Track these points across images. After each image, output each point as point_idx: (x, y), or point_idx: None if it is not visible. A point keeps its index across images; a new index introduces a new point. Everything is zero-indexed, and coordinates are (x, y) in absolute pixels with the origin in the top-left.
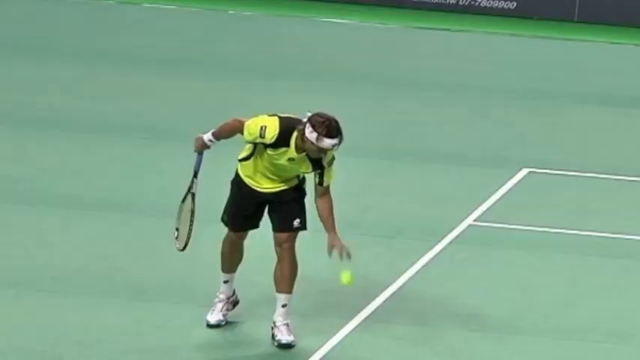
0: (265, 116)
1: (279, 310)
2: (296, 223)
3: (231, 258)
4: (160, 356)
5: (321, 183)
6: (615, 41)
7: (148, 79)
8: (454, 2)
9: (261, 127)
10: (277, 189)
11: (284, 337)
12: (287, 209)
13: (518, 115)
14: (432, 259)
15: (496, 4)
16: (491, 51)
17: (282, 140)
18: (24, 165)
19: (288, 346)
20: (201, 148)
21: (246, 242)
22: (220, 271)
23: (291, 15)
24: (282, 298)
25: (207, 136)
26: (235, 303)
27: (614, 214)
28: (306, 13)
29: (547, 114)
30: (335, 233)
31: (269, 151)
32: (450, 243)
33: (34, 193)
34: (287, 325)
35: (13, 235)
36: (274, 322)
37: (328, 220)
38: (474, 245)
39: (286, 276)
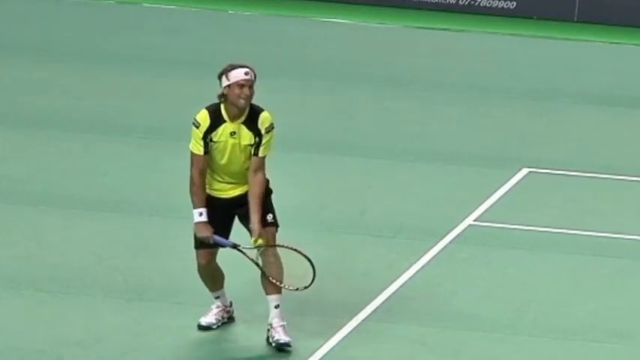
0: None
1: (274, 312)
2: (269, 217)
3: (213, 279)
4: (159, 356)
5: (256, 153)
6: (615, 41)
7: (147, 79)
8: (454, 2)
9: (194, 123)
10: (240, 191)
11: (282, 337)
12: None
13: (518, 115)
14: (431, 259)
15: (496, 4)
16: (491, 51)
17: (215, 118)
18: (24, 165)
19: (286, 346)
20: (206, 230)
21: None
22: (208, 291)
23: (290, 15)
24: (273, 299)
25: (196, 216)
26: (230, 316)
27: (614, 214)
28: (305, 13)
29: (547, 114)
30: (259, 219)
31: (213, 141)
32: (450, 243)
33: (34, 193)
34: (283, 326)
35: (13, 235)
36: (270, 324)
37: (257, 200)
38: (474, 245)
39: (273, 269)
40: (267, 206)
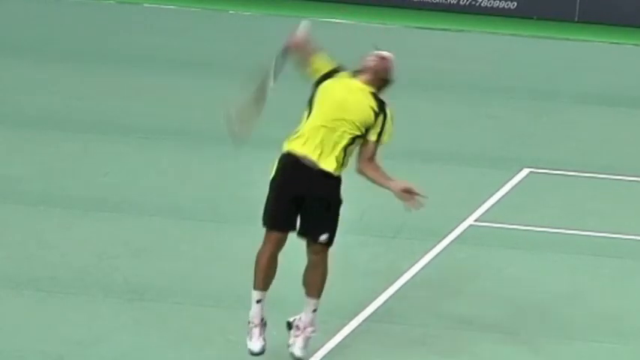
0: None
1: (310, 316)
2: (324, 238)
3: (269, 272)
4: (159, 357)
5: (378, 140)
6: (615, 41)
7: (147, 79)
8: (454, 2)
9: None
10: (314, 161)
11: (299, 352)
12: (319, 218)
13: (519, 115)
14: (432, 259)
15: (496, 4)
16: (492, 51)
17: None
18: (24, 165)
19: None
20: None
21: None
22: (252, 289)
23: (290, 15)
24: (312, 303)
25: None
26: (265, 323)
27: (614, 214)
28: (306, 13)
29: (547, 114)
30: (393, 181)
31: (327, 83)
32: (451, 243)
33: (34, 193)
34: (309, 338)
35: (13, 235)
36: (298, 326)
37: (382, 177)
38: (475, 245)
39: (318, 282)
40: (326, 222)
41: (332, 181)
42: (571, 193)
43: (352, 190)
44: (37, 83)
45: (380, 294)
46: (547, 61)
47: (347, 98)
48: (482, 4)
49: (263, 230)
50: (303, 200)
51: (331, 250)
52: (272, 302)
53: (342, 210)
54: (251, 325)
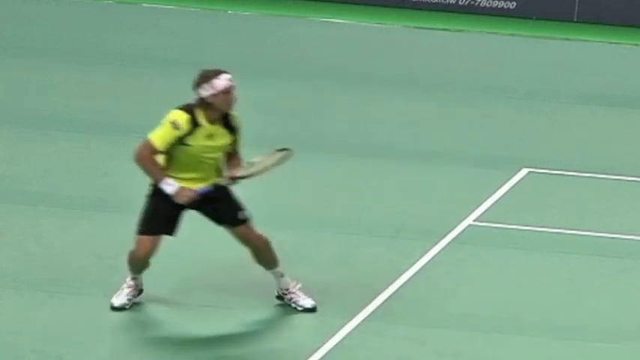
0: (167, 115)
1: (283, 279)
2: (242, 215)
3: (143, 267)
4: (160, 356)
5: (235, 150)
6: (615, 41)
7: (147, 79)
8: (454, 2)
9: (173, 123)
10: (203, 184)
11: (307, 301)
12: (227, 204)
13: (518, 115)
14: (432, 259)
15: (496, 4)
16: (491, 51)
17: (193, 124)
18: (24, 165)
19: (313, 310)
20: (188, 191)
21: None
22: (129, 272)
23: (290, 15)
24: (276, 271)
25: (168, 186)
26: (140, 290)
27: (614, 214)
28: (305, 13)
29: (547, 114)
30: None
31: (186, 145)
32: (450, 243)
33: (34, 193)
34: (301, 289)
35: (12, 235)
36: (285, 290)
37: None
38: (474, 245)
39: (265, 255)
40: (234, 203)
41: None
42: (571, 193)
43: (352, 190)
44: (37, 83)
45: (380, 294)
46: (547, 61)
47: None
48: (481, 4)
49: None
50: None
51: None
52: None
53: (343, 210)
54: (124, 285)
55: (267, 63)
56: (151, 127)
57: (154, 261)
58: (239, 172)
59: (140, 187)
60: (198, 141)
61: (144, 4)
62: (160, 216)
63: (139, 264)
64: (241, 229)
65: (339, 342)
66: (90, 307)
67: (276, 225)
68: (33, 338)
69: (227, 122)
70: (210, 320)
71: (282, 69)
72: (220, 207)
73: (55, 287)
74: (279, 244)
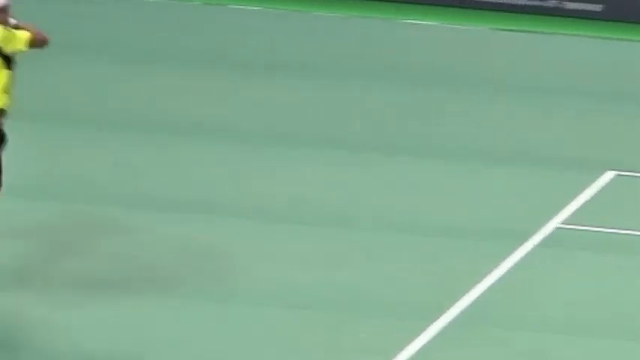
0: None
1: None
2: None
3: None
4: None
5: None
6: None
7: (230, 81)
8: (539, 4)
9: None
10: None
11: None
12: None
13: (604, 117)
14: (517, 262)
15: (582, 7)
16: (576, 53)
17: None
18: (104, 166)
19: None
20: None
21: None
22: None
23: (378, 17)
24: None
25: None
26: None
27: None
28: (390, 15)
29: (633, 117)
30: None
31: None
32: (536, 246)
33: (123, 195)
34: None
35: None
36: None
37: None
38: (560, 248)
39: None
40: None
41: None
42: None
43: (439, 193)
44: (118, 83)
45: (463, 297)
46: (632, 63)
47: None
48: (567, 7)
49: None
50: None
51: (415, 253)
52: None
53: (430, 213)
54: None
55: (353, 65)
56: (246, 130)
57: None
58: None
59: (237, 190)
60: None
61: (230, 5)
62: None
63: None
64: None
65: (422, 347)
66: (181, 308)
67: (359, 225)
68: (127, 340)
69: None
70: (295, 324)
71: (365, 71)
72: None
73: (148, 288)
74: (364, 244)
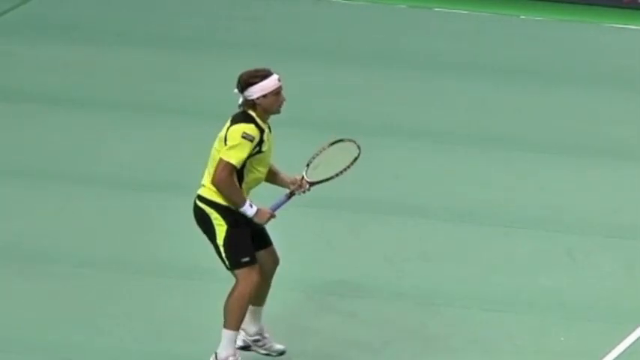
0: (234, 134)
1: (263, 324)
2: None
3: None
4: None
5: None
6: None
7: (437, 83)
8: None
9: (244, 137)
10: None
11: (279, 346)
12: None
13: None
14: None
15: None
16: None
17: (258, 127)
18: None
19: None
20: (266, 212)
21: None
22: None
23: (579, 21)
24: (263, 309)
25: (249, 209)
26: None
27: None
28: (595, 19)
29: None
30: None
31: (262, 152)
32: None
33: (323, 198)
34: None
35: (303, 239)
36: (262, 335)
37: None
38: None
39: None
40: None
41: None
42: None
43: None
44: (326, 87)
45: None
46: None
47: None
48: None
49: (557, 235)
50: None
51: (619, 255)
52: None
53: (629, 216)
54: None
55: (557, 69)
56: (438, 131)
57: None
58: (317, 177)
59: (432, 191)
60: (267, 144)
61: (435, 9)
62: (249, 242)
63: (251, 299)
64: (272, 247)
65: (628, 347)
66: (378, 310)
67: (562, 227)
68: (322, 341)
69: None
70: (497, 325)
71: (567, 75)
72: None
73: (344, 289)
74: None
